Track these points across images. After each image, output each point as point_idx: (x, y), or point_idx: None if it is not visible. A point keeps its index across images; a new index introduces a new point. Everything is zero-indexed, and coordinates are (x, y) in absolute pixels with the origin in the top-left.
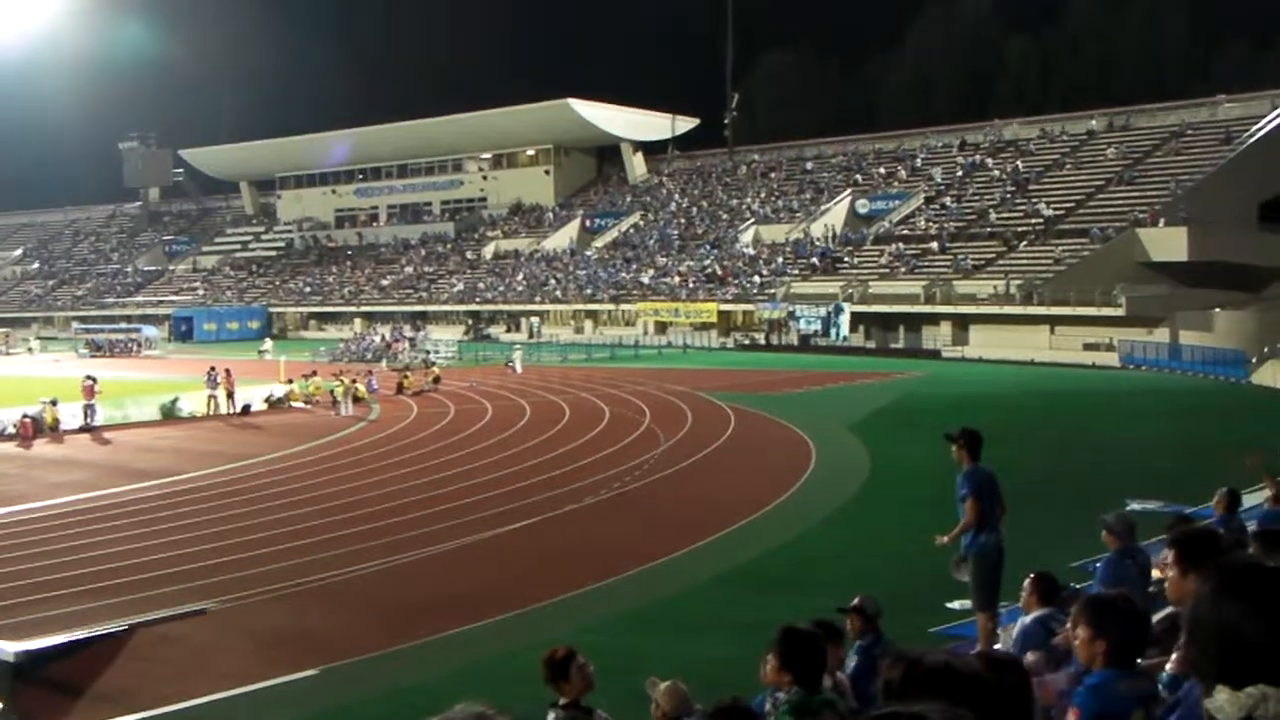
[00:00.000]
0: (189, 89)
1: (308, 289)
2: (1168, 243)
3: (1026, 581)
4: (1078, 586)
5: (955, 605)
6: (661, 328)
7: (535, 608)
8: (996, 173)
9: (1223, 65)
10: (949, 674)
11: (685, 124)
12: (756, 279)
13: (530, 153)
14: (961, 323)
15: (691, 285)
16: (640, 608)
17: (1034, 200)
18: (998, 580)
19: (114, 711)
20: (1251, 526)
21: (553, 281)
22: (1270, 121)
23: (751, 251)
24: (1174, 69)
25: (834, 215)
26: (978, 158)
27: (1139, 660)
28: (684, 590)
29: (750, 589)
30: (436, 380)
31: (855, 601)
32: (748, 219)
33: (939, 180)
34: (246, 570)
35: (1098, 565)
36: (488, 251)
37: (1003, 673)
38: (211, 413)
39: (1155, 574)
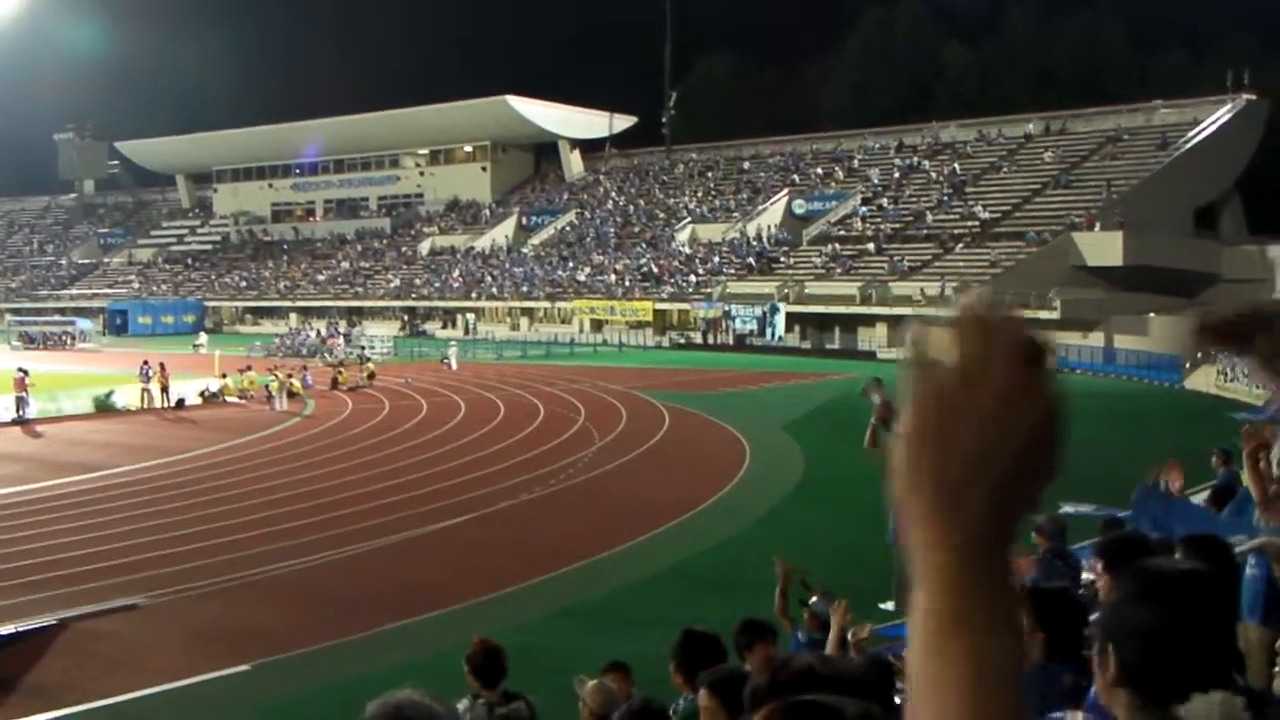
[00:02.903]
0: (125, 81)
1: (243, 283)
2: (1103, 247)
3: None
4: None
5: (889, 605)
6: (597, 326)
7: (470, 604)
8: (934, 175)
9: (1159, 73)
10: (813, 676)
11: (623, 122)
12: (693, 278)
13: (467, 149)
14: (897, 324)
15: (628, 284)
16: (575, 604)
17: (971, 203)
18: None
19: (44, 706)
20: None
21: (489, 278)
22: (1206, 128)
23: (688, 250)
24: (1111, 75)
25: (771, 215)
26: (915, 159)
27: (1082, 654)
28: (619, 588)
29: (685, 587)
30: (371, 376)
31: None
32: (684, 218)
33: (876, 181)
34: (180, 565)
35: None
36: (424, 248)
37: (876, 672)
38: (145, 406)
39: (1086, 576)
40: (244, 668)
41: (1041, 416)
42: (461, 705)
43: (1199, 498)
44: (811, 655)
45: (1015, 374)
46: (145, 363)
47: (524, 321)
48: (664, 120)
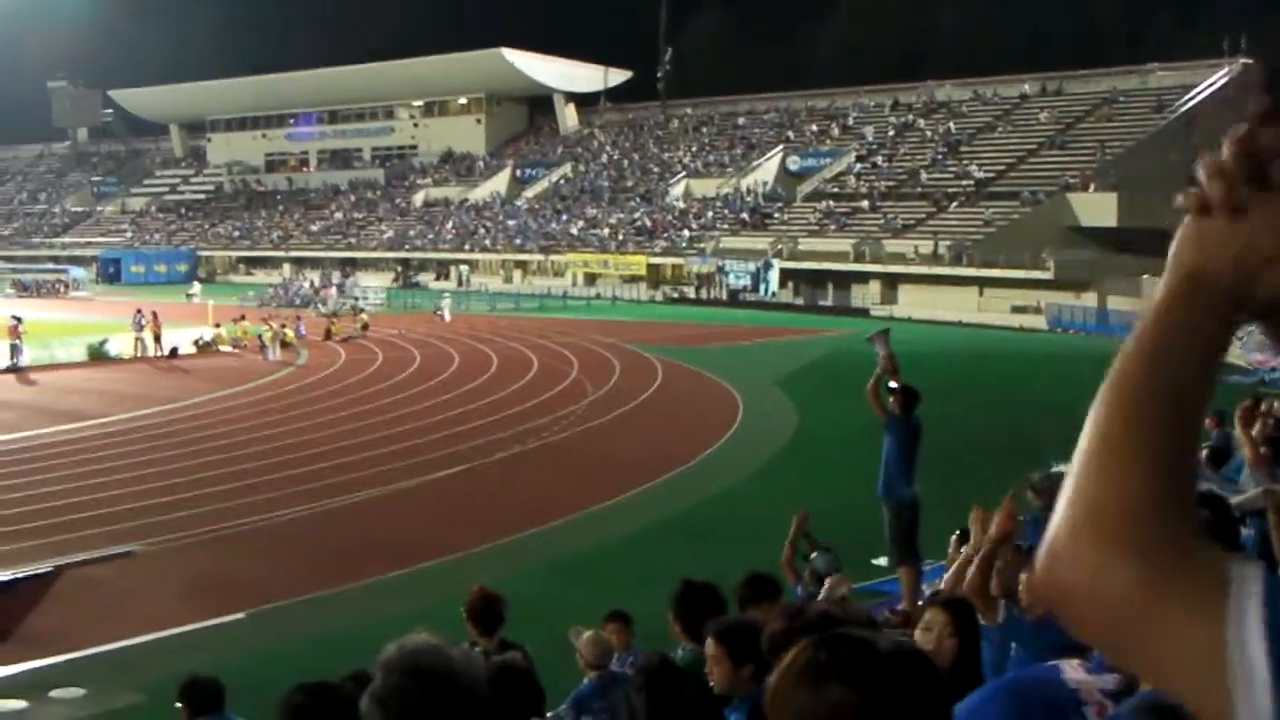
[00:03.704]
0: (119, 29)
1: (236, 233)
2: (1097, 208)
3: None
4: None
5: (881, 561)
6: (590, 279)
7: (464, 555)
8: (928, 133)
9: (1153, 36)
10: (830, 621)
11: (618, 76)
12: (686, 233)
13: (462, 101)
14: (890, 282)
15: (621, 238)
16: (569, 557)
17: (965, 162)
18: (914, 534)
19: (40, 653)
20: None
21: (482, 230)
22: (1202, 91)
23: (682, 205)
24: (1105, 38)
25: (765, 171)
26: (910, 118)
27: None
28: (613, 540)
29: (679, 540)
30: (365, 327)
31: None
32: (679, 173)
33: (871, 139)
34: (175, 513)
35: (1023, 521)
36: (418, 199)
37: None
38: (139, 355)
39: None
40: (239, 616)
41: None
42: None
43: None
44: (825, 603)
45: None
46: (139, 311)
47: (517, 274)
48: (659, 75)
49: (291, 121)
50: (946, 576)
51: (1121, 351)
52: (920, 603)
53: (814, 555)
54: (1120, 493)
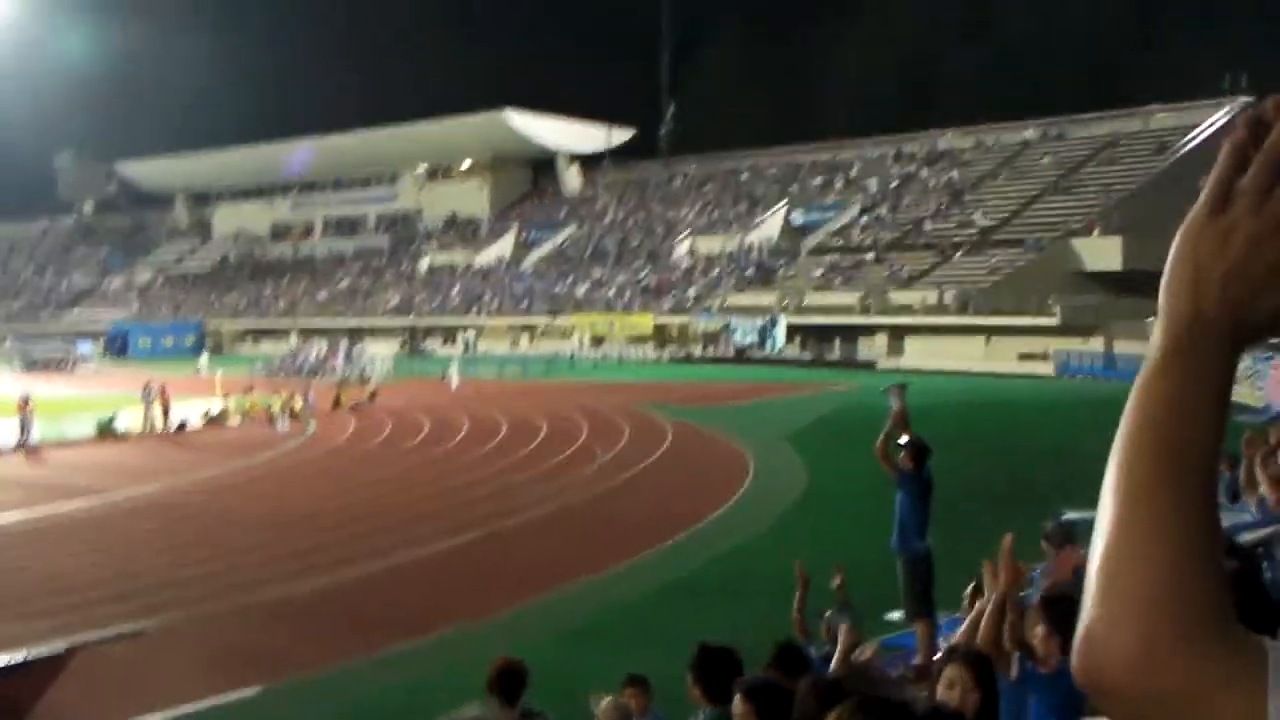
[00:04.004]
0: (123, 101)
1: (243, 303)
2: (1102, 252)
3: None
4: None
5: (896, 615)
6: (597, 341)
7: (478, 622)
8: (931, 183)
9: (1154, 77)
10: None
11: (621, 135)
12: (692, 291)
13: (465, 165)
14: (897, 333)
15: (627, 298)
16: (583, 622)
17: (969, 210)
18: (930, 588)
19: None
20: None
21: (488, 295)
22: (1203, 131)
23: (687, 263)
24: (1106, 80)
25: (769, 226)
26: (913, 168)
27: None
28: (626, 603)
29: (693, 601)
30: (373, 396)
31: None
32: (683, 231)
33: (874, 191)
34: (186, 589)
35: (1036, 573)
36: (423, 265)
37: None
38: (148, 430)
39: None
40: (253, 691)
41: None
42: None
43: None
44: (847, 665)
45: None
46: (147, 385)
47: (524, 338)
48: (662, 133)
49: (296, 190)
50: (960, 630)
51: (1128, 416)
52: (936, 656)
53: (829, 613)
54: (1153, 578)
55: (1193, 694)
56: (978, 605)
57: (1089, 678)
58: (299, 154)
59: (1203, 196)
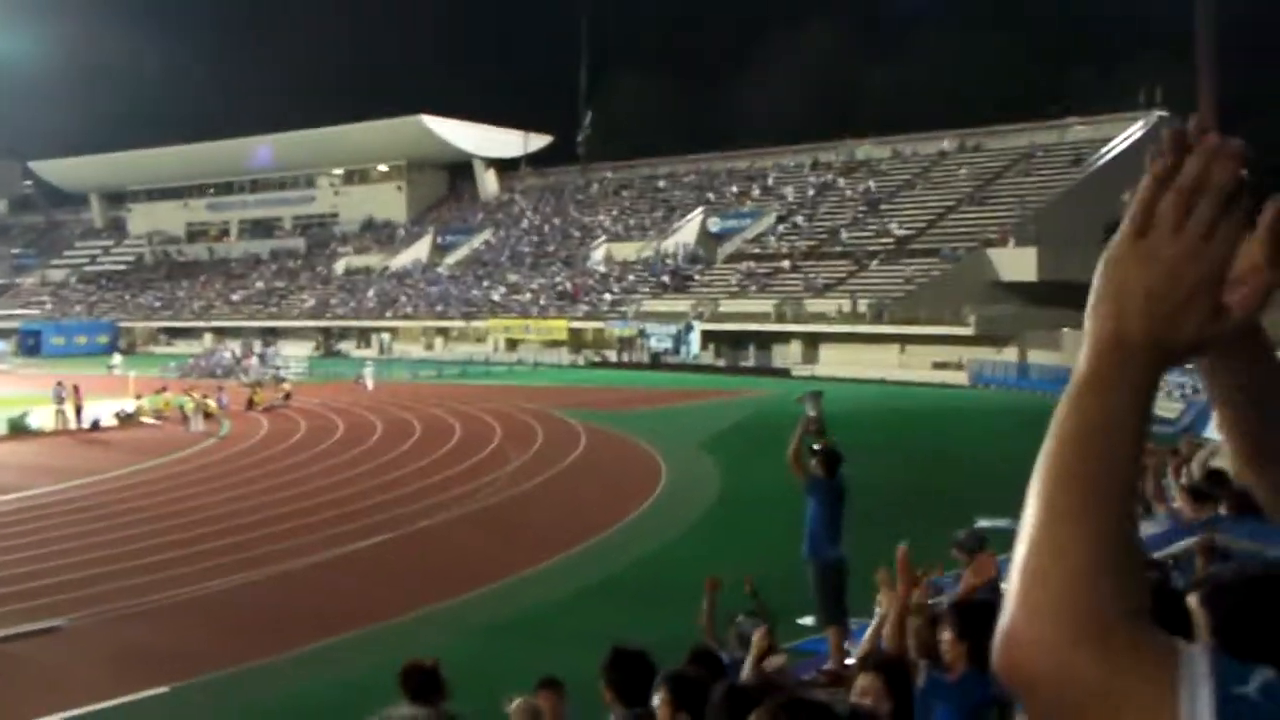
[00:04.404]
0: (35, 98)
1: (158, 303)
2: (1017, 263)
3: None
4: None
5: (808, 620)
6: (512, 345)
7: (392, 622)
8: (849, 192)
9: (1071, 89)
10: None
11: (538, 141)
12: (608, 297)
13: (382, 169)
14: (812, 341)
15: (543, 303)
16: (498, 622)
17: (885, 220)
18: (842, 595)
19: None
20: None
21: (404, 298)
22: (1118, 144)
23: (603, 269)
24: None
25: (686, 233)
26: (830, 177)
27: None
28: (541, 603)
29: (607, 603)
30: (287, 396)
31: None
32: (600, 237)
33: (791, 199)
34: (99, 586)
35: (948, 579)
36: (339, 267)
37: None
38: (60, 428)
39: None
40: (163, 689)
41: (1219, 261)
42: None
43: None
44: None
45: (1215, 211)
46: (59, 384)
47: (439, 341)
48: (579, 139)
49: (212, 191)
50: (863, 640)
51: (1054, 430)
52: (847, 662)
53: (740, 619)
54: (1072, 575)
55: (1107, 686)
56: (876, 614)
57: (1009, 672)
58: (260, 150)
59: (1125, 221)
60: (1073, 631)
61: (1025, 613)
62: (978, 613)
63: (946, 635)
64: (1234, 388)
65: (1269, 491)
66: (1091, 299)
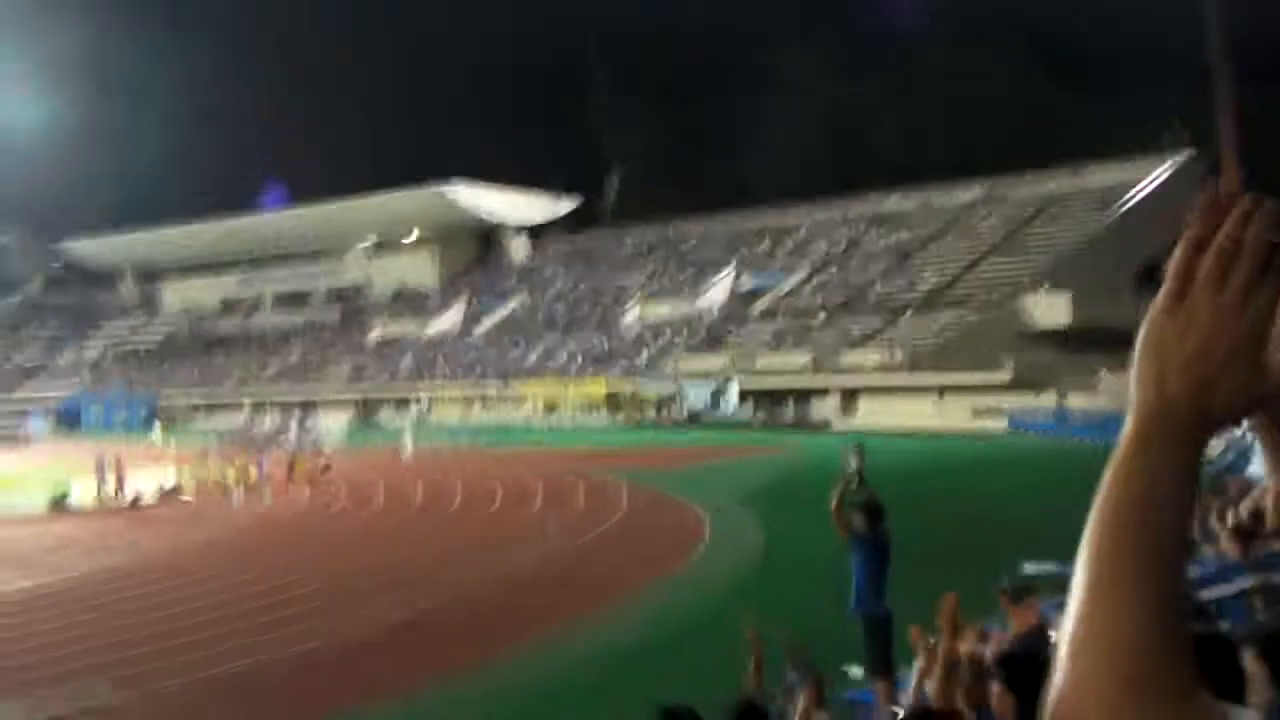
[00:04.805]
0: (67, 177)
1: (194, 377)
2: (1050, 309)
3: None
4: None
5: (856, 671)
6: (550, 408)
7: (448, 686)
8: (879, 245)
9: (1091, 127)
10: None
11: (567, 204)
12: (643, 357)
13: (413, 237)
14: (850, 394)
15: (579, 364)
16: (544, 684)
17: (917, 270)
18: (889, 648)
19: None
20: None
21: (439, 363)
22: (1144, 188)
23: (637, 330)
24: (1047, 139)
25: (718, 291)
26: (859, 231)
27: None
28: (584, 665)
29: (651, 663)
30: (326, 467)
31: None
32: (632, 297)
33: (822, 254)
34: (149, 664)
35: (993, 628)
36: (373, 336)
37: None
38: (101, 503)
39: (1052, 635)
40: None
41: (1260, 320)
42: None
43: None
44: None
45: (1253, 271)
46: (101, 457)
47: (476, 406)
48: (607, 201)
49: (244, 265)
50: (910, 688)
51: (1100, 499)
52: (896, 712)
53: (788, 674)
54: (1120, 647)
55: None
56: (916, 668)
57: None
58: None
59: (1164, 288)
60: (1121, 707)
61: (1075, 687)
62: (1024, 665)
63: (995, 688)
64: None
65: None
66: (1133, 367)
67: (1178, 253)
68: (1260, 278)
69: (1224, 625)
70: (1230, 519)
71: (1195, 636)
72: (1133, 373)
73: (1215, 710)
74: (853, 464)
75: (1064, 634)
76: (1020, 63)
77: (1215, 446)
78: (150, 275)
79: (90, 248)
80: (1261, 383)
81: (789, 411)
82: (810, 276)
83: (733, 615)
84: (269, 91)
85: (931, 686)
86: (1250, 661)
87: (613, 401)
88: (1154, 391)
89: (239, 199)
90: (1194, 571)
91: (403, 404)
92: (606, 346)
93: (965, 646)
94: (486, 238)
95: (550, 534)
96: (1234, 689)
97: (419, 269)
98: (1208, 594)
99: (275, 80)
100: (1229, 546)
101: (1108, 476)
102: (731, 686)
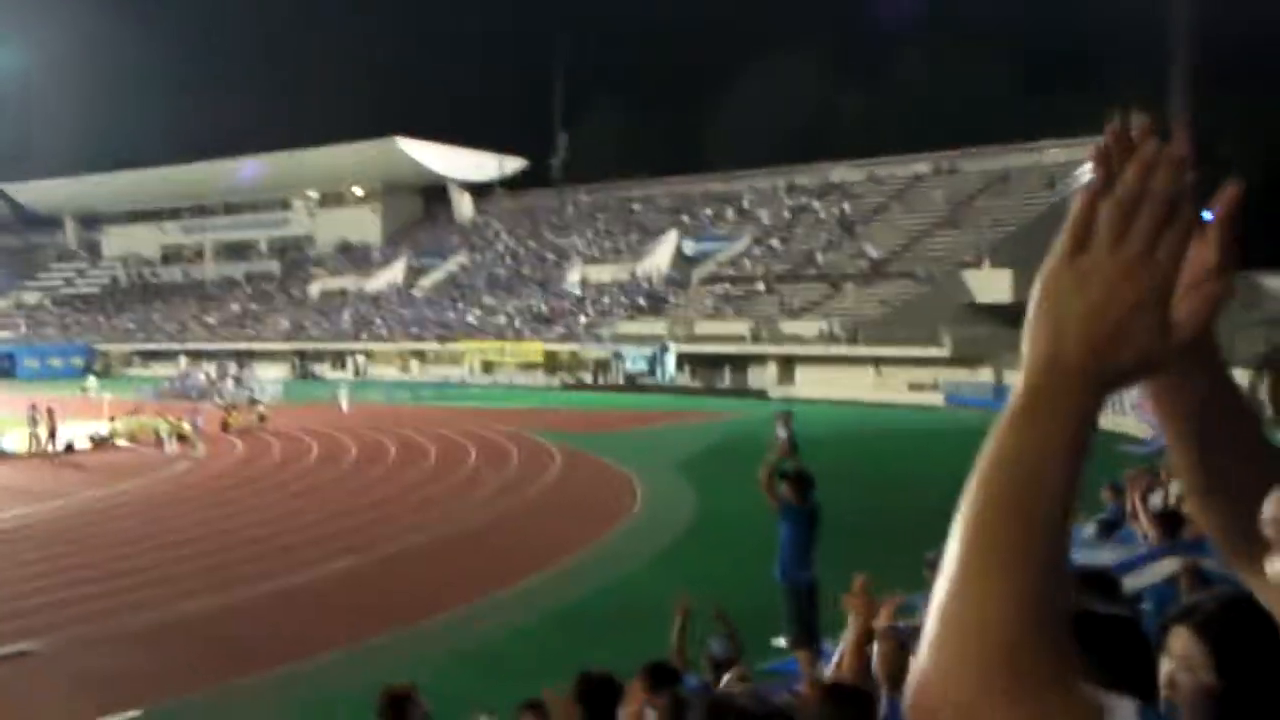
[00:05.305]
0: (10, 122)
1: (133, 326)
2: (992, 285)
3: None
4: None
5: (781, 642)
6: (488, 367)
7: (365, 645)
8: (824, 215)
9: (1045, 111)
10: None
11: (513, 164)
12: (583, 319)
13: (358, 191)
14: (788, 363)
15: (518, 325)
16: (470, 646)
17: (860, 242)
18: (814, 618)
19: None
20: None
21: (379, 320)
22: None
23: (578, 292)
24: (999, 115)
25: (661, 256)
26: (805, 200)
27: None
28: (512, 629)
29: (578, 628)
30: (262, 419)
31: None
32: (575, 259)
33: (766, 222)
34: (71, 609)
35: (918, 600)
36: (314, 290)
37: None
38: (33, 450)
39: None
40: (136, 713)
41: (1164, 274)
42: None
43: (1088, 529)
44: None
45: (1158, 221)
46: (33, 406)
47: (414, 363)
48: (554, 163)
49: (187, 214)
50: (830, 665)
51: (983, 456)
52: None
53: (710, 642)
54: (988, 620)
55: None
56: (841, 641)
57: (916, 712)
58: (245, 168)
59: (1061, 238)
60: (988, 691)
61: (939, 665)
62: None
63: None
64: (1183, 413)
65: (1219, 530)
66: (1027, 319)
67: (1078, 200)
68: (1166, 226)
69: (1146, 607)
70: (1158, 501)
71: (1106, 618)
72: (1026, 325)
73: (1093, 701)
74: (781, 432)
75: (932, 608)
76: (976, 42)
77: (1146, 428)
78: (92, 221)
79: (32, 191)
80: (1164, 341)
81: (726, 378)
82: (753, 244)
83: (661, 582)
84: (218, 41)
85: (843, 660)
86: (1185, 643)
87: (551, 363)
88: (1048, 346)
89: (184, 147)
90: (1118, 556)
91: (341, 359)
92: (547, 308)
93: (884, 618)
94: (431, 195)
95: (483, 495)
96: (1141, 675)
97: (363, 224)
98: (1132, 581)
99: (226, 32)
100: (1152, 531)
101: (993, 431)
102: (657, 654)
